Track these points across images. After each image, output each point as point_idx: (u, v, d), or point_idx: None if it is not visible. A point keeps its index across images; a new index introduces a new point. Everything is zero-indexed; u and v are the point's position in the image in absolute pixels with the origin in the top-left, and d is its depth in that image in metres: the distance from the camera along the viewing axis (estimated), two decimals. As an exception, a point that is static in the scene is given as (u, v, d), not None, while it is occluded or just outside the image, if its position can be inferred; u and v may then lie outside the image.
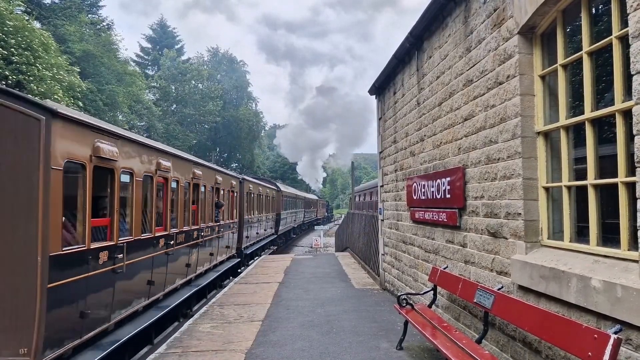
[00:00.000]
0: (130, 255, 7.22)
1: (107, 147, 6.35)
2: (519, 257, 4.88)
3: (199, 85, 63.62)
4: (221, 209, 14.23)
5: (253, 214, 21.31)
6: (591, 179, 4.07)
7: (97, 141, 6.11)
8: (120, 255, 6.83)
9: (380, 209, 11.91)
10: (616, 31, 3.71)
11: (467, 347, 4.85)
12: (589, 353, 3.27)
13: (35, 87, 26.35)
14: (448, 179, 6.83)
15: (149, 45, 66.35)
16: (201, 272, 12.28)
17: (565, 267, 4.10)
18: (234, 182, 16.79)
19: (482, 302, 5.14)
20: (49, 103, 5.38)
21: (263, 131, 79.61)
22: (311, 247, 32.13)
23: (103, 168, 6.37)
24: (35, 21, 33.85)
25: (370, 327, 7.81)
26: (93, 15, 45.53)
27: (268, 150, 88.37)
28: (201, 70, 64.20)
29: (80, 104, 32.75)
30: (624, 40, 3.59)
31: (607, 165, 3.97)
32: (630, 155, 3.54)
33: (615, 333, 3.17)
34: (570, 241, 4.42)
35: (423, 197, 7.99)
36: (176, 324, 10.01)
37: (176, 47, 66.36)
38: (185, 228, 10.47)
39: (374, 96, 12.48)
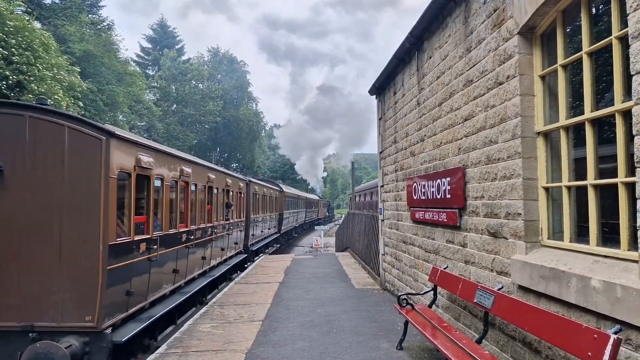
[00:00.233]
0: (161, 247, 8.54)
1: (146, 158, 7.71)
2: (519, 257, 4.88)
3: (200, 85, 63.63)
4: (231, 209, 15.45)
5: (258, 214, 22.54)
6: (591, 179, 4.08)
7: (139, 154, 7.47)
8: (155, 247, 8.19)
9: (380, 209, 11.91)
10: (616, 31, 3.71)
11: (467, 347, 4.85)
12: (589, 353, 3.27)
13: (35, 87, 26.36)
14: (448, 179, 6.83)
15: (150, 46, 66.36)
16: (214, 265, 13.52)
17: (565, 267, 4.10)
18: (242, 184, 18.30)
19: (482, 302, 5.14)
20: (108, 127, 6.81)
21: (263, 131, 79.59)
22: (311, 247, 32.14)
23: (142, 175, 7.75)
24: (35, 21, 33.84)
25: (371, 327, 7.82)
26: (93, 16, 45.55)
27: (268, 150, 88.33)
28: (201, 70, 64.20)
29: (81, 104, 32.76)
30: (624, 41, 3.59)
31: (607, 166, 3.97)
32: (630, 156, 3.54)
33: (615, 333, 3.18)
34: (570, 241, 4.42)
35: (423, 197, 7.99)
36: (194, 309, 11.16)
37: (176, 47, 66.36)
38: (202, 225, 11.82)
39: (374, 96, 12.49)
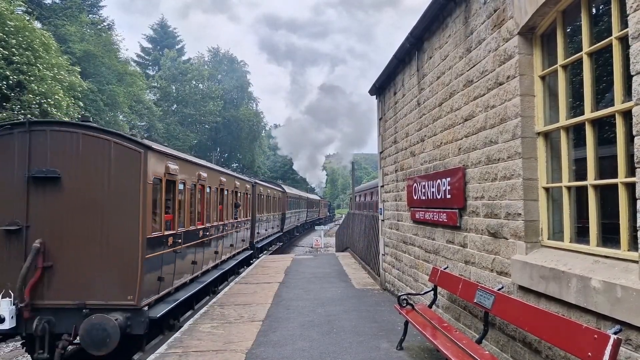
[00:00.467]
0: (184, 241, 9.85)
1: (173, 166, 9.02)
2: (519, 257, 4.88)
3: (200, 85, 63.61)
4: (239, 209, 16.78)
5: (263, 213, 23.92)
6: (591, 180, 4.08)
7: (167, 162, 8.79)
8: (179, 241, 9.51)
9: (380, 209, 11.92)
10: (616, 32, 3.71)
11: (467, 347, 4.85)
12: (589, 353, 3.27)
13: (36, 87, 26.37)
14: (448, 179, 6.83)
15: (150, 46, 66.34)
16: (225, 259, 14.86)
17: (565, 267, 4.11)
18: (248, 186, 19.75)
19: (482, 303, 5.14)
20: (145, 141, 8.13)
21: (263, 131, 79.56)
22: (311, 247, 32.17)
23: (170, 180, 9.03)
24: (36, 21, 33.85)
25: (371, 327, 7.82)
26: (94, 16, 45.56)
27: (268, 151, 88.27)
28: (202, 70, 64.18)
29: (81, 104, 32.76)
30: (624, 41, 3.59)
31: (607, 166, 3.97)
32: (630, 156, 3.54)
33: (615, 333, 3.18)
34: (570, 241, 4.42)
35: (423, 198, 7.99)
36: (207, 297, 12.28)
37: (177, 47, 66.33)
38: (215, 223, 13.15)
39: (375, 96, 12.49)
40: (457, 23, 6.66)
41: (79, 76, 32.59)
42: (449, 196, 6.80)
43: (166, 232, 8.77)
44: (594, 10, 4.22)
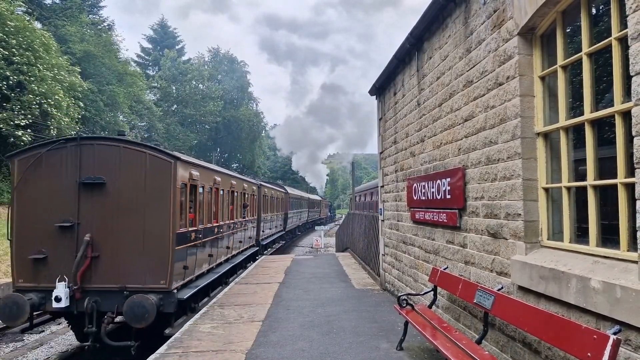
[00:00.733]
0: (203, 236, 11.46)
1: (195, 173, 10.58)
2: (518, 257, 4.89)
3: (200, 85, 63.61)
4: (247, 209, 18.40)
5: (267, 213, 25.64)
6: (591, 180, 4.08)
7: (191, 170, 10.28)
8: (200, 236, 11.10)
9: (380, 209, 11.92)
10: (615, 32, 3.72)
11: (467, 347, 4.85)
12: (588, 354, 3.27)
13: (36, 88, 26.37)
14: (448, 179, 6.83)
15: (150, 46, 66.37)
16: (234, 254, 16.46)
17: (564, 267, 4.11)
18: (254, 187, 21.39)
19: (482, 303, 5.14)
20: (175, 153, 9.57)
21: (264, 131, 79.49)
22: (312, 247, 32.18)
23: (192, 185, 10.52)
24: (36, 22, 33.87)
25: (371, 328, 7.82)
26: (94, 16, 45.55)
27: (269, 151, 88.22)
28: (202, 70, 64.18)
29: (81, 104, 32.77)
30: (624, 42, 3.59)
31: (606, 166, 3.97)
32: (629, 156, 3.55)
33: (615, 334, 3.18)
34: (570, 242, 4.42)
35: (423, 198, 7.99)
36: (220, 287, 13.63)
37: (177, 47, 66.34)
38: (227, 222, 14.76)
39: (375, 96, 12.49)
40: (457, 23, 6.66)
41: (79, 76, 32.60)
42: (448, 196, 6.80)
43: (190, 229, 10.29)
44: (593, 11, 4.22)
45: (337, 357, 6.35)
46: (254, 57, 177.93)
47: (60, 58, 30.61)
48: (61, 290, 8.53)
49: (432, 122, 7.73)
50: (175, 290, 9.20)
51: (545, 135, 4.81)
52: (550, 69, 4.74)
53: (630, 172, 3.53)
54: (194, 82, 62.06)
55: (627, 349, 3.35)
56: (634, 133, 3.28)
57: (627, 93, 3.59)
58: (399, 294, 7.36)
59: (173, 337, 7.56)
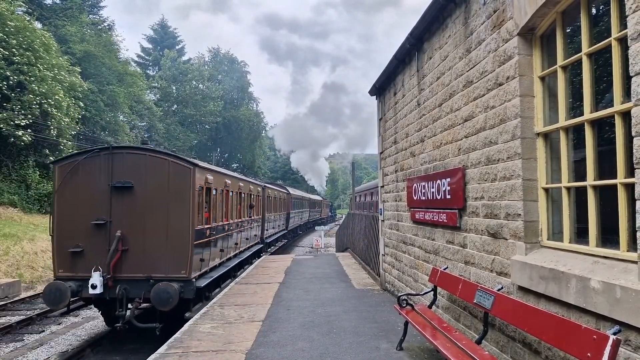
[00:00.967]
0: (216, 233, 12.85)
1: (209, 177, 11.97)
2: (518, 257, 4.89)
3: (200, 85, 63.59)
4: (253, 209, 19.79)
5: (271, 213, 27.03)
6: (590, 180, 4.08)
7: (206, 175, 11.69)
8: (213, 232, 12.51)
9: (380, 209, 11.92)
10: (615, 33, 3.72)
11: (467, 347, 4.85)
12: (588, 354, 3.27)
13: (36, 88, 26.38)
14: (448, 179, 6.83)
15: (150, 46, 66.37)
16: (242, 250, 17.82)
17: (564, 268, 4.11)
18: (259, 189, 22.79)
19: (482, 303, 5.15)
20: (193, 160, 11.04)
21: (264, 131, 79.41)
22: (312, 247, 32.20)
23: (207, 188, 11.88)
24: (36, 22, 33.87)
25: (371, 328, 7.82)
26: (94, 16, 45.54)
27: (269, 151, 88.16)
28: (202, 70, 64.15)
29: (82, 104, 32.77)
30: (623, 42, 3.59)
31: (606, 167, 3.97)
32: (629, 157, 3.55)
33: (614, 334, 3.18)
34: (569, 242, 4.42)
35: (423, 198, 8.00)
36: (229, 280, 14.67)
37: (177, 47, 66.33)
38: (235, 220, 16.23)
39: (375, 97, 12.49)
40: (457, 24, 6.66)
41: (80, 76, 32.60)
42: (448, 196, 6.80)
43: (205, 226, 11.63)
44: (593, 11, 4.22)
45: (337, 357, 6.35)
46: (254, 57, 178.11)
47: (60, 58, 30.61)
48: (96, 279, 9.80)
49: (432, 122, 7.73)
50: (194, 279, 10.49)
51: (545, 136, 4.81)
52: (550, 69, 4.74)
53: (630, 172, 3.53)
54: (194, 82, 62.05)
55: (626, 349, 3.35)
56: (633, 133, 3.28)
57: (626, 93, 3.59)
58: (399, 294, 7.36)
59: (173, 337, 7.55)
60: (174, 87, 60.32)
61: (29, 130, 26.23)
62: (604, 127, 4.08)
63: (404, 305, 6.72)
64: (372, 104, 12.90)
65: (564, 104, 4.52)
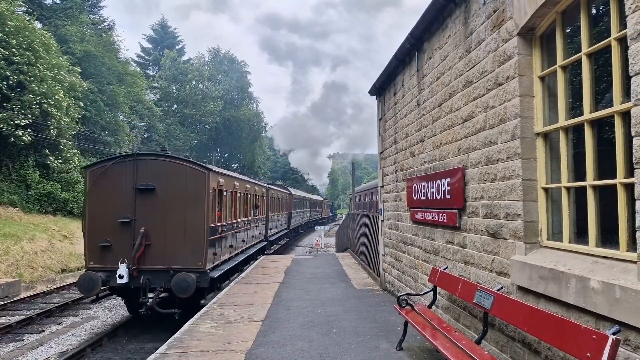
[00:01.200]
0: (226, 230, 14.33)
1: (221, 180, 13.41)
2: (518, 257, 4.89)
3: (200, 85, 63.57)
4: (258, 209, 21.24)
5: (274, 213, 28.27)
6: (590, 180, 4.08)
7: (218, 178, 13.10)
8: (224, 229, 13.99)
9: (380, 209, 11.92)
10: (615, 33, 3.72)
11: (466, 347, 4.85)
12: (588, 354, 3.28)
13: (36, 88, 26.38)
14: (448, 179, 6.83)
15: (150, 46, 66.35)
16: (248, 247, 19.08)
17: (564, 267, 4.11)
18: (264, 190, 24.16)
19: (482, 303, 5.15)
20: (208, 166, 12.54)
21: (264, 132, 79.39)
22: (312, 247, 32.20)
23: (219, 190, 13.26)
24: (36, 22, 33.87)
25: (371, 328, 7.82)
26: (94, 16, 45.52)
27: (269, 151, 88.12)
28: (202, 70, 64.13)
29: (82, 104, 32.78)
30: (623, 42, 3.59)
31: (606, 167, 3.97)
32: (629, 157, 3.55)
33: (614, 334, 3.18)
34: (569, 242, 4.42)
35: (423, 198, 8.00)
36: (237, 274, 15.81)
37: (177, 47, 66.31)
38: (243, 219, 17.56)
39: (375, 97, 12.49)
40: (457, 24, 6.66)
41: (80, 76, 32.60)
42: (448, 196, 6.80)
43: (218, 224, 12.99)
44: (593, 11, 4.22)
45: (337, 357, 6.35)
46: (255, 57, 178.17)
47: (60, 58, 30.61)
48: (123, 270, 11.05)
49: (432, 122, 7.73)
50: (208, 270, 11.81)
51: (545, 136, 4.81)
52: (549, 69, 4.74)
53: (630, 172, 3.53)
54: (194, 82, 62.04)
55: (626, 349, 3.35)
56: (633, 133, 3.28)
57: (626, 93, 3.59)
58: (399, 294, 7.36)
59: (173, 337, 7.56)
60: (174, 87, 60.31)
61: (29, 130, 26.23)
62: (603, 127, 4.08)
63: (403, 305, 6.72)
64: (372, 104, 12.89)
65: (563, 104, 4.52)
